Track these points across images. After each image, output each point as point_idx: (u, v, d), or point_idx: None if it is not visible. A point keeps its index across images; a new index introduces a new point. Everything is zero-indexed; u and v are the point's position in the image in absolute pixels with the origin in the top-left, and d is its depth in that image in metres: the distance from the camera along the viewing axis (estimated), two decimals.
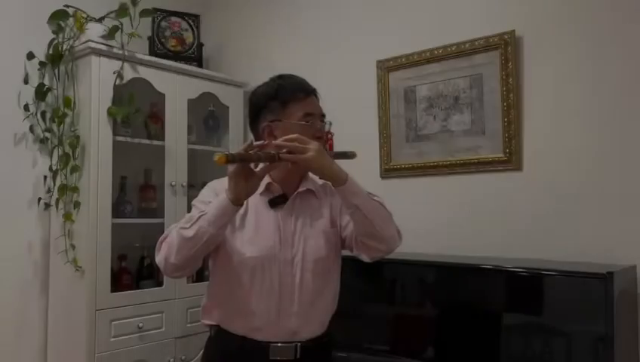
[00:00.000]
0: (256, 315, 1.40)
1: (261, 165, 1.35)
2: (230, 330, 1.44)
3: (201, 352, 1.57)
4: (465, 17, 2.29)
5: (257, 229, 1.42)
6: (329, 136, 2.18)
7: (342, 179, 1.34)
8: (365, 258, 1.45)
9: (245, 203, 1.37)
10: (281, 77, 1.50)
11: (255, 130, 1.51)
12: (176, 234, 1.33)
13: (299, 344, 1.41)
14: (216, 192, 1.43)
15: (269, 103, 1.45)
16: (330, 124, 1.52)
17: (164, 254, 1.36)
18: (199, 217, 1.31)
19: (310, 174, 1.50)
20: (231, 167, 1.30)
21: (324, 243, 1.47)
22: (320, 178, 1.45)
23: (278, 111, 1.44)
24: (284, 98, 1.44)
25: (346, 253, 1.54)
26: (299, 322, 1.42)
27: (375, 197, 1.41)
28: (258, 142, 1.37)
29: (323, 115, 1.49)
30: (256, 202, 1.44)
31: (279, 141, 1.33)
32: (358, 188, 1.36)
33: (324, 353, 1.51)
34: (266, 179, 1.44)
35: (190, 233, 1.31)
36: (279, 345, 1.40)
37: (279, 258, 1.42)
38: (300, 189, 1.49)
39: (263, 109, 1.46)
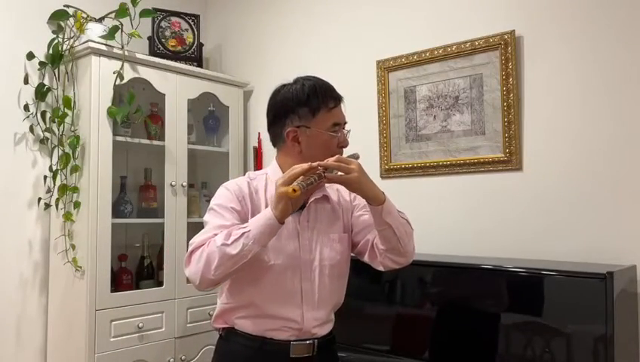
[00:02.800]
0: (279, 319, 1.42)
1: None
2: (249, 332, 1.44)
3: (202, 352, 1.57)
4: (465, 17, 2.29)
5: (278, 236, 1.41)
6: None
7: (380, 199, 1.36)
8: (380, 267, 1.48)
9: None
10: (309, 79, 1.47)
11: (276, 131, 1.49)
12: (217, 251, 1.30)
13: (315, 340, 1.45)
14: (236, 196, 1.43)
15: (298, 108, 1.43)
16: (349, 131, 1.52)
17: (200, 269, 1.31)
18: (242, 234, 1.30)
19: None
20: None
21: (339, 248, 1.50)
22: (360, 196, 1.42)
23: (306, 118, 1.43)
24: (314, 106, 1.42)
25: None
26: (319, 323, 1.45)
27: (403, 215, 1.44)
28: (315, 163, 1.33)
29: (345, 123, 1.50)
30: None
31: (326, 162, 1.33)
32: (392, 207, 1.39)
33: (332, 347, 1.55)
34: None
35: (234, 251, 1.29)
36: (296, 342, 1.42)
37: (299, 264, 1.44)
38: (317, 195, 1.49)
39: (290, 114, 1.44)
